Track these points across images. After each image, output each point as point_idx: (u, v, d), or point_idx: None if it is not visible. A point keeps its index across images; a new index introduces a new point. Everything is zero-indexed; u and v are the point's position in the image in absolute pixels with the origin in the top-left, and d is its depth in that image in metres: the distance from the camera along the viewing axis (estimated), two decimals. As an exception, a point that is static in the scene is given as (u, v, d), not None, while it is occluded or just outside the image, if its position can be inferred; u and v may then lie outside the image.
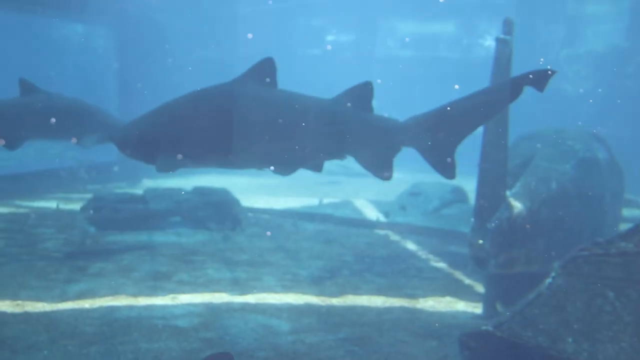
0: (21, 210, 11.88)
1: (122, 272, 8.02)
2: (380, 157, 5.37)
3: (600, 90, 20.29)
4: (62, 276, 7.79)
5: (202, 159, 5.25)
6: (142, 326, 6.22)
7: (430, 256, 9.40)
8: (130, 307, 6.78)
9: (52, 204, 12.24)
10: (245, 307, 6.90)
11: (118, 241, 9.56)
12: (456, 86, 5.38)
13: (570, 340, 4.97)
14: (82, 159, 15.03)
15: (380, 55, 26.29)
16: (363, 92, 5.33)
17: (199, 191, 11.20)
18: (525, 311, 5.19)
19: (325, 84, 5.90)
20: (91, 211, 10.45)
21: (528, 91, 5.85)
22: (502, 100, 5.60)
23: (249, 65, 5.29)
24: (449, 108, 5.31)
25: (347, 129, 5.28)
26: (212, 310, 6.79)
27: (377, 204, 13.27)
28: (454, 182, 12.25)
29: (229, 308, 6.87)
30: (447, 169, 5.34)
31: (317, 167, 5.46)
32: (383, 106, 6.21)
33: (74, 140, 8.42)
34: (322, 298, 7.31)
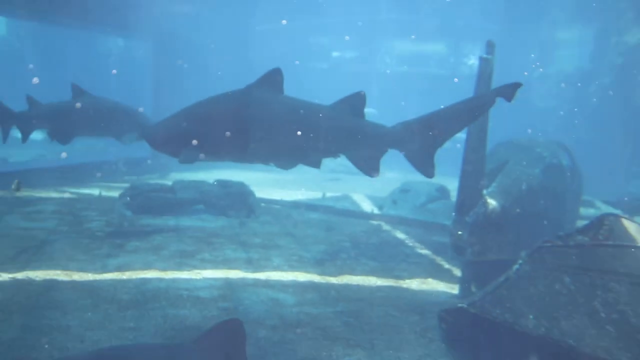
0: (70, 196, 11.97)
1: (153, 250, 8.11)
2: (369, 157, 5.42)
3: (565, 106, 20.34)
4: (103, 252, 7.89)
5: (217, 153, 5.33)
6: (169, 296, 6.33)
7: (417, 244, 9.46)
8: (160, 280, 6.88)
9: (95, 192, 12.35)
10: (257, 283, 7.00)
11: (150, 224, 9.65)
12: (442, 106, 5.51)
13: (531, 317, 5.05)
14: (121, 154, 15.14)
15: (378, 70, 26.31)
16: (356, 101, 5.37)
17: (220, 183, 11.25)
18: (495, 292, 5.27)
19: (330, 93, 5.97)
20: (128, 198, 10.52)
21: (505, 105, 5.93)
22: (476, 111, 5.68)
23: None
24: (430, 116, 5.38)
25: (341, 131, 5.33)
26: (229, 284, 6.88)
27: (372, 199, 13.32)
28: (439, 181, 12.39)
29: (243, 283, 6.96)
30: (427, 169, 5.41)
31: (316, 164, 5.48)
32: (382, 114, 6.28)
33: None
34: (323, 277, 7.39)
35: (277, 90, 5.24)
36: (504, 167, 7.95)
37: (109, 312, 5.77)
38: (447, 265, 8.24)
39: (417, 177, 7.73)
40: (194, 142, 5.14)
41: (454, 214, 7.31)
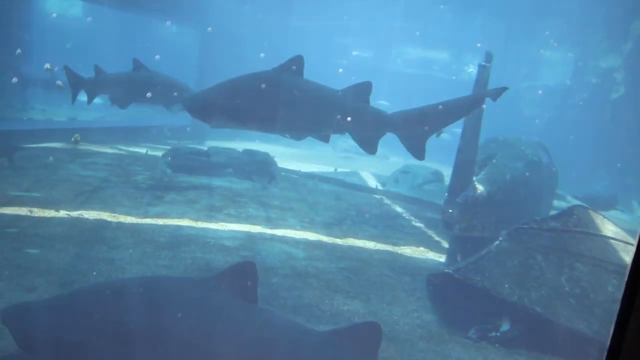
0: (121, 153, 11.97)
1: (187, 203, 8.08)
2: (369, 137, 5.37)
3: (546, 114, 20.26)
4: (145, 200, 7.87)
5: (242, 122, 5.27)
6: (199, 242, 6.30)
7: (412, 218, 9.36)
8: (191, 228, 6.85)
9: (142, 150, 12.33)
10: (273, 238, 6.95)
11: (186, 181, 9.60)
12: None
13: (506, 286, 4.97)
14: (166, 121, 15.10)
15: (390, 70, 26.00)
16: (364, 88, 5.30)
17: (248, 152, 11.18)
18: (477, 262, 5.19)
19: (346, 84, 5.91)
20: (169, 158, 10.48)
21: (498, 109, 5.81)
22: (466, 108, 5.63)
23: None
24: (426, 109, 5.31)
25: (348, 112, 5.26)
26: (250, 237, 6.84)
27: (377, 177, 13.20)
28: (435, 167, 12.24)
29: (262, 237, 6.92)
30: (418, 153, 5.35)
31: (325, 139, 5.45)
32: (393, 107, 6.18)
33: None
34: (330, 238, 7.33)
35: (298, 74, 5.17)
36: (492, 159, 7.84)
37: (147, 250, 5.74)
38: (436, 238, 8.15)
39: (417, 161, 7.64)
40: (224, 110, 5.10)
41: (446, 194, 7.19)
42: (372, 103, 5.43)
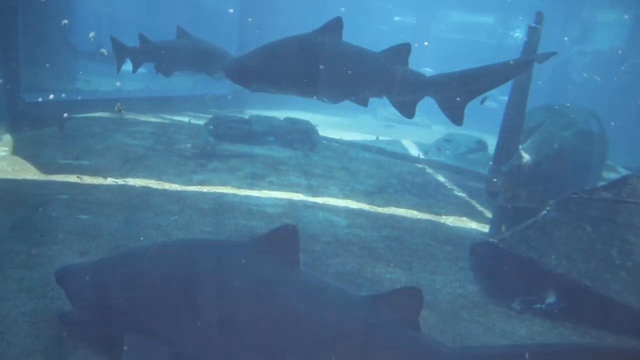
0: (165, 121, 12.13)
1: (230, 170, 8.16)
2: (407, 101, 5.23)
3: (598, 79, 19.38)
4: (189, 168, 7.99)
5: (281, 85, 5.23)
6: (241, 209, 6.38)
7: (455, 187, 9.21)
8: (234, 195, 6.94)
9: (185, 119, 12.47)
10: (315, 206, 6.97)
11: (228, 149, 9.69)
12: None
13: (553, 257, 4.86)
14: (207, 90, 15.22)
15: (433, 36, 25.32)
16: (402, 50, 5.14)
17: (289, 120, 11.18)
18: (523, 232, 5.07)
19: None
20: (211, 126, 10.57)
21: (546, 75, 5.54)
22: (509, 73, 5.38)
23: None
24: (467, 72, 5.11)
25: (387, 75, 5.14)
26: (292, 204, 6.88)
27: (419, 145, 13.03)
28: (478, 135, 11.98)
29: (304, 205, 6.95)
30: (457, 118, 5.14)
31: (363, 102, 5.32)
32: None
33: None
34: (372, 206, 7.31)
35: (337, 36, 5.07)
36: (539, 127, 7.60)
37: (191, 217, 5.86)
38: (480, 208, 8.02)
39: (460, 130, 7.46)
40: (263, 74, 5.08)
41: (491, 163, 7.04)
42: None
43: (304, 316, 2.96)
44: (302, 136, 10.69)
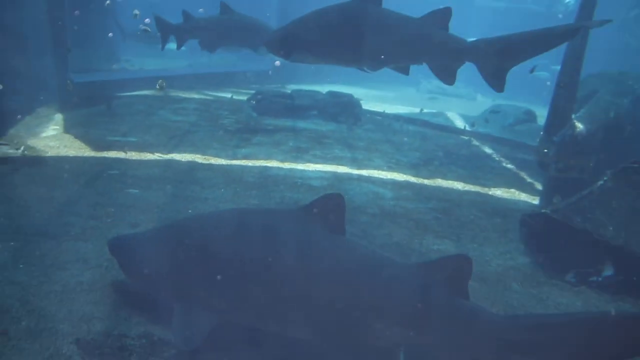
0: (208, 98, 12.24)
1: (274, 144, 8.20)
2: (447, 67, 5.06)
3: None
4: (234, 143, 8.06)
5: (321, 55, 5.17)
6: (286, 182, 6.41)
7: (502, 159, 8.98)
8: (279, 168, 6.97)
9: (228, 95, 12.55)
10: (360, 178, 6.94)
11: (272, 124, 9.72)
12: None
13: (611, 228, 4.68)
14: (248, 66, 15.26)
15: (478, 4, 24.47)
16: (443, 15, 4.98)
17: (331, 94, 11.12)
18: (578, 202, 4.90)
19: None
20: (254, 102, 10.62)
21: (601, 41, 5.22)
22: (556, 39, 5.06)
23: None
24: (510, 37, 4.89)
25: (427, 41, 4.99)
26: (336, 177, 6.87)
27: (464, 117, 12.74)
28: (526, 106, 11.61)
29: (348, 177, 6.92)
30: (498, 85, 4.93)
31: (404, 70, 5.22)
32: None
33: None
34: (417, 178, 7.22)
35: (376, 3, 4.96)
36: (594, 96, 7.27)
37: (237, 190, 5.92)
38: (529, 180, 7.80)
39: (506, 100, 7.17)
40: (302, 43, 5.03)
41: (542, 133, 6.80)
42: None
43: (352, 282, 2.96)
44: (345, 109, 10.62)
